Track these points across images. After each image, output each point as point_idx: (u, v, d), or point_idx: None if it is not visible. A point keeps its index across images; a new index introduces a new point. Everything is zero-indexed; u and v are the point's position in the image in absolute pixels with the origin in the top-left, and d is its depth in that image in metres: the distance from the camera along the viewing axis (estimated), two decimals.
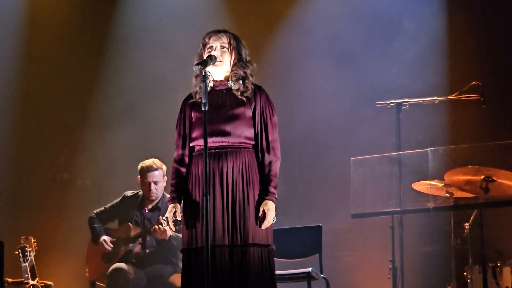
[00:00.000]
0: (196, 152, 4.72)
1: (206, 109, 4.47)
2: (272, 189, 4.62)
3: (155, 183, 6.67)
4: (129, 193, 6.86)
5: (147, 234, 6.56)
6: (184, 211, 4.69)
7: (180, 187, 4.72)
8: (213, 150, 4.62)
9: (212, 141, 4.61)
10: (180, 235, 6.45)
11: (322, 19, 8.07)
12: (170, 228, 4.77)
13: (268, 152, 4.66)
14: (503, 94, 7.37)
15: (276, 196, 4.63)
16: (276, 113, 4.76)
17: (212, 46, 4.72)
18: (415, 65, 7.75)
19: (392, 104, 6.50)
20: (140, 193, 6.80)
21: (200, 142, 4.66)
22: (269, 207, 4.58)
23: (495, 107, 7.08)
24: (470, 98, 6.44)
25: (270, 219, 4.58)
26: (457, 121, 7.49)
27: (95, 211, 6.86)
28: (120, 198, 6.87)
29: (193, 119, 4.75)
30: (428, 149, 6.08)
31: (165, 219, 4.71)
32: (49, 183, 8.58)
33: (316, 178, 8.04)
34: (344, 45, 7.96)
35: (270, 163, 4.65)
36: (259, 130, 4.68)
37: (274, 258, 4.73)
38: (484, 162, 5.99)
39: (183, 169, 4.74)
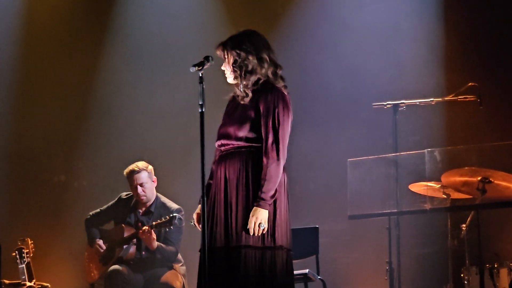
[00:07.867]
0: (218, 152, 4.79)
1: (203, 110, 4.50)
2: (261, 194, 4.51)
3: (141, 185, 6.65)
4: (124, 195, 6.86)
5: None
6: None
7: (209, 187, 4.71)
8: (219, 153, 4.70)
9: (220, 143, 4.67)
10: (168, 249, 6.49)
11: (318, 20, 8.07)
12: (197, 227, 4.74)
13: (266, 154, 4.56)
14: (499, 95, 7.36)
15: (265, 200, 4.50)
16: (285, 115, 4.65)
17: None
18: (412, 66, 7.74)
19: (389, 105, 6.49)
20: None
21: (218, 142, 4.71)
22: (253, 213, 4.50)
23: (492, 108, 7.08)
24: (467, 99, 6.44)
25: (251, 225, 4.48)
26: (454, 122, 7.48)
27: (90, 213, 6.88)
28: (116, 199, 6.87)
29: None
30: (425, 150, 6.07)
31: (193, 219, 4.74)
32: (46, 185, 8.56)
33: (313, 179, 8.03)
34: (341, 46, 7.95)
35: (265, 165, 4.55)
36: (264, 133, 4.59)
37: None
38: (481, 163, 5.99)
39: (214, 167, 4.75)
